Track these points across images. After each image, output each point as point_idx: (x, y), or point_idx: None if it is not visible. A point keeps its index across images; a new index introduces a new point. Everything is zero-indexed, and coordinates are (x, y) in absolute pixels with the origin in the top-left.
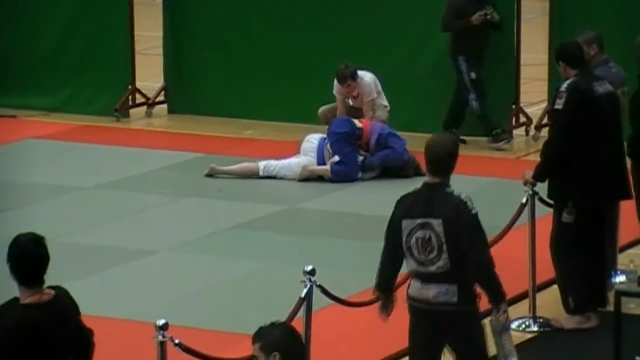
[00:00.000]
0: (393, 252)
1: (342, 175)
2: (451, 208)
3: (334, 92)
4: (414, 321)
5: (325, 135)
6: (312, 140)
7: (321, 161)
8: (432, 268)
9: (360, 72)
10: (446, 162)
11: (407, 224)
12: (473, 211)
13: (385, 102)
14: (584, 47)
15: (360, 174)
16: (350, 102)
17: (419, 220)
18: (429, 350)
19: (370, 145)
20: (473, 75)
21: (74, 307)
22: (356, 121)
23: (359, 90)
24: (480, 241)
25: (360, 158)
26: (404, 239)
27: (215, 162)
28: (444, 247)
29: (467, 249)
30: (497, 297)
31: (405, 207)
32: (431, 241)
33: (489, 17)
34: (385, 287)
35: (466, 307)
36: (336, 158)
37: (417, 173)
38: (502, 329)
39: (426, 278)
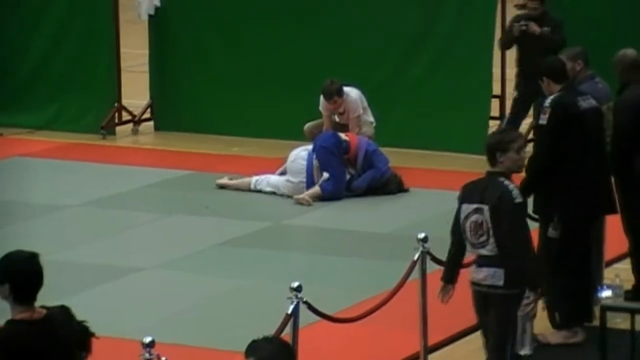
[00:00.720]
0: (458, 236)
1: (330, 192)
2: (497, 196)
3: (320, 108)
4: (473, 301)
5: (308, 150)
6: (300, 159)
7: (310, 180)
8: (483, 251)
9: (346, 89)
10: (490, 154)
11: (465, 208)
12: (516, 200)
13: (371, 118)
14: (569, 62)
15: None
16: (337, 119)
17: (474, 205)
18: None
19: (357, 160)
20: (515, 93)
21: (71, 328)
22: (342, 135)
23: (345, 107)
24: (520, 228)
25: (348, 176)
26: (461, 221)
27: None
28: (491, 232)
29: (507, 235)
30: (531, 285)
31: (466, 192)
32: (482, 226)
33: (523, 28)
34: (448, 280)
35: (511, 290)
36: (325, 175)
37: (400, 189)
38: (526, 317)
39: (479, 261)
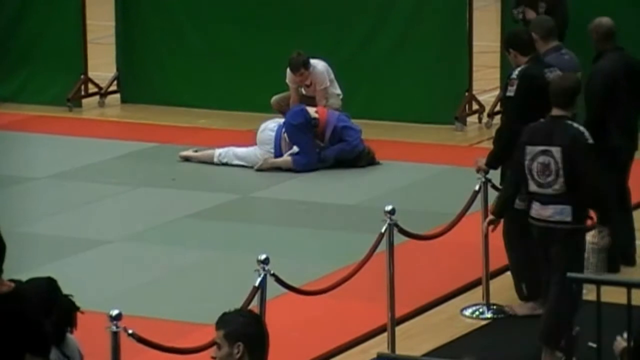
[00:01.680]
0: (516, 175)
1: (303, 165)
2: (569, 137)
3: (287, 80)
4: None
5: (279, 123)
6: (269, 131)
7: (278, 152)
8: (550, 190)
9: (313, 61)
10: (570, 97)
11: (530, 150)
12: (589, 141)
13: (338, 91)
14: (535, 35)
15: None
16: (303, 91)
17: (540, 148)
18: (549, 262)
19: (325, 136)
20: None
21: (48, 303)
22: (312, 110)
23: (312, 79)
24: (594, 167)
25: (317, 150)
26: (526, 162)
27: (169, 152)
28: (561, 172)
29: (581, 174)
30: (604, 219)
31: (529, 135)
32: (550, 166)
33: (519, 16)
34: (500, 215)
35: (578, 225)
36: (295, 149)
37: (371, 163)
38: (600, 249)
39: (545, 199)
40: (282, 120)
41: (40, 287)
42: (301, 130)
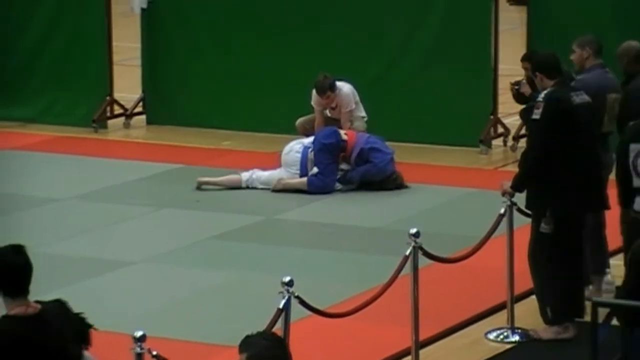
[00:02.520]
0: (621, 173)
1: (317, 187)
2: None
3: (312, 103)
4: (635, 232)
5: (308, 144)
6: (295, 152)
7: (305, 173)
8: None
9: (338, 83)
10: None
11: (633, 147)
12: None
13: (363, 113)
14: (577, 49)
15: (339, 186)
16: (328, 114)
17: None
18: None
19: (352, 158)
20: None
21: (65, 322)
22: (342, 132)
23: (337, 102)
24: None
25: (340, 173)
26: (630, 160)
27: (194, 174)
28: None
29: None
30: None
31: (633, 133)
32: None
33: (516, 87)
34: (625, 203)
35: None
36: (315, 170)
37: (399, 187)
38: None
39: None
40: (306, 140)
41: (56, 309)
42: (329, 151)
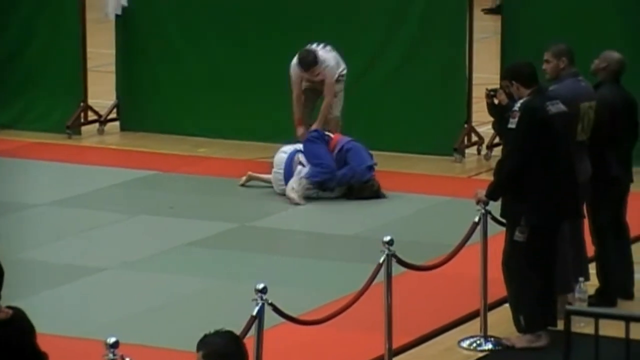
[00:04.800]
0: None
1: (323, 173)
2: None
3: (292, 73)
4: None
5: (296, 148)
6: (282, 152)
7: (288, 173)
8: None
9: (321, 53)
10: None
11: None
12: None
13: (338, 113)
14: (553, 59)
15: (316, 194)
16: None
17: None
18: None
19: (333, 153)
20: None
21: (31, 328)
22: (327, 132)
23: (322, 73)
24: None
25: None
26: None
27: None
28: None
29: None
30: None
31: None
32: None
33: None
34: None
35: None
36: (302, 172)
37: (376, 196)
38: None
39: None
40: (299, 145)
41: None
42: (316, 142)
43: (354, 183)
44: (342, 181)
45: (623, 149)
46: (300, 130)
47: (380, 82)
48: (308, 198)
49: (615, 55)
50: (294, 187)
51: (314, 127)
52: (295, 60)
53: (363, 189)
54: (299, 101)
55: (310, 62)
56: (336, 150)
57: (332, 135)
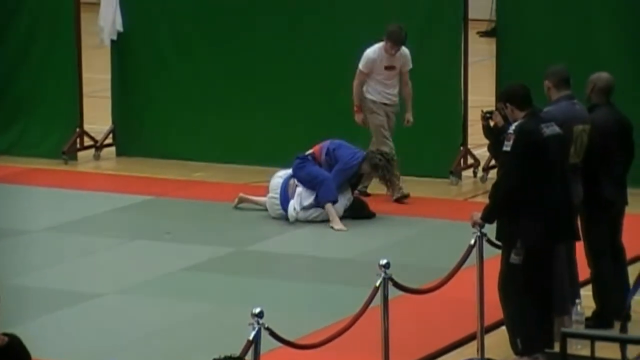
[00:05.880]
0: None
1: (330, 191)
2: None
3: (370, 57)
4: None
5: (290, 173)
6: (278, 177)
7: (284, 198)
8: None
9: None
10: None
11: None
12: None
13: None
14: (544, 81)
15: (316, 213)
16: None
17: None
18: None
19: (321, 163)
20: None
21: (27, 355)
22: (307, 153)
23: (402, 60)
24: None
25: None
26: None
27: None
28: None
29: None
30: None
31: None
32: None
33: (487, 116)
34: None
35: None
36: (305, 201)
37: (365, 215)
38: None
39: None
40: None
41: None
42: (306, 164)
43: (349, 174)
44: (339, 178)
45: (617, 172)
46: (358, 117)
47: None
48: (307, 221)
49: (601, 74)
50: (295, 209)
51: (408, 116)
52: (376, 45)
53: (361, 207)
54: (360, 88)
55: (403, 38)
56: (323, 156)
57: (311, 151)
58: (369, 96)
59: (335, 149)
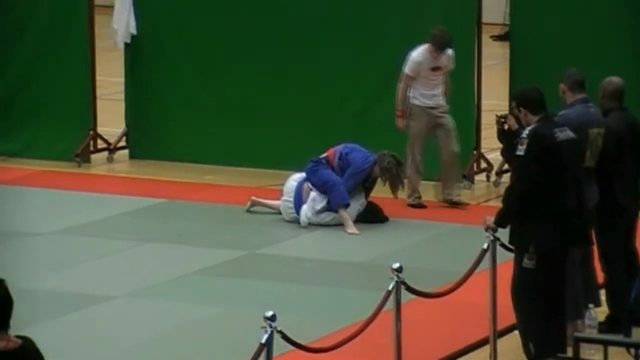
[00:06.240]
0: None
1: (341, 195)
2: None
3: (415, 60)
4: None
5: (305, 176)
6: (293, 181)
7: (298, 201)
8: None
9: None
10: None
11: None
12: None
13: None
14: (560, 84)
15: (329, 217)
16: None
17: None
18: None
19: (334, 167)
20: None
21: (40, 358)
22: (321, 156)
23: (446, 62)
24: None
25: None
26: None
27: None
28: None
29: None
30: None
31: None
32: None
33: (502, 121)
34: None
35: None
36: (317, 204)
37: (379, 219)
38: None
39: None
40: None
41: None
42: (319, 167)
43: (362, 178)
44: (351, 183)
45: (629, 177)
46: (401, 122)
47: (389, 109)
48: (319, 225)
49: (612, 79)
50: (307, 215)
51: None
52: (421, 48)
53: (375, 211)
54: (405, 92)
55: (447, 42)
56: (336, 160)
57: (325, 154)
58: (414, 101)
59: (348, 153)
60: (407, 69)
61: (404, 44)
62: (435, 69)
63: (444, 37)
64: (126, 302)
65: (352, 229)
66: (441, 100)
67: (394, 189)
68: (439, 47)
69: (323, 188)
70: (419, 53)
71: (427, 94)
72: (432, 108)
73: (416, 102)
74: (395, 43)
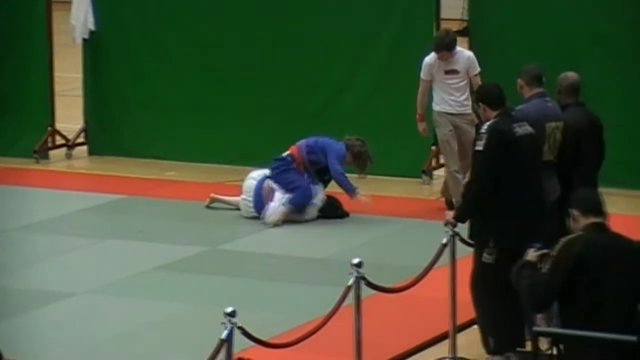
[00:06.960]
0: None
1: (300, 200)
2: None
3: (427, 64)
4: None
5: (265, 173)
6: (251, 179)
7: (258, 201)
8: None
9: (459, 48)
10: None
11: None
12: None
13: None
14: (518, 79)
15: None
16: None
17: None
18: None
19: (304, 163)
20: None
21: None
22: (283, 155)
23: (461, 64)
24: None
25: (308, 180)
26: None
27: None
28: None
29: None
30: None
31: None
32: None
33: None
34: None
35: None
36: (280, 199)
37: (339, 214)
38: None
39: None
40: (268, 171)
41: None
42: (283, 170)
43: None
44: (339, 163)
45: (589, 172)
46: (422, 126)
47: (350, 105)
48: (283, 222)
49: (567, 74)
50: (273, 213)
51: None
52: (432, 54)
53: (335, 207)
54: (424, 97)
55: (445, 43)
56: (305, 155)
57: (288, 152)
58: (435, 107)
59: (316, 142)
60: (421, 73)
61: (365, 40)
62: (449, 72)
63: (440, 38)
64: (87, 299)
65: (365, 197)
66: (463, 107)
67: (364, 167)
68: (435, 48)
69: (287, 187)
70: (429, 56)
71: (446, 99)
72: (452, 114)
73: (436, 107)
74: (355, 39)
